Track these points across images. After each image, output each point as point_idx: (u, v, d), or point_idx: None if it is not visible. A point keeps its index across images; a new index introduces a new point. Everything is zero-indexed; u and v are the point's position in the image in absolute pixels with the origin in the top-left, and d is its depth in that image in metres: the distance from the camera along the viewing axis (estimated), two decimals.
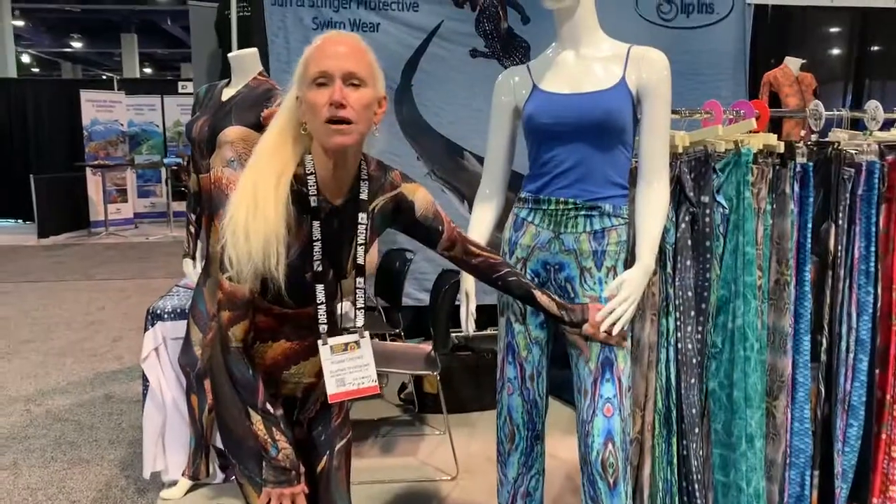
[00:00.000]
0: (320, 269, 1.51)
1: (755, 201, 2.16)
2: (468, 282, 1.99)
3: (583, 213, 1.85)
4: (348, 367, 1.57)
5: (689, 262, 2.15)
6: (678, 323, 2.16)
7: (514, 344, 1.95)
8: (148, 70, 25.03)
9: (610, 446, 1.82)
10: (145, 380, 2.88)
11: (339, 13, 4.34)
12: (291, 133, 1.48)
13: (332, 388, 1.55)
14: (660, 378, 2.17)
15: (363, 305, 1.58)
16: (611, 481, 1.82)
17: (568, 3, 1.84)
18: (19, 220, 11.73)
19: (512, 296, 1.80)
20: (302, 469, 1.54)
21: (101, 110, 10.85)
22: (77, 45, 21.02)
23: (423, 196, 1.62)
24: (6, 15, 14.26)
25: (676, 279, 2.15)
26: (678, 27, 4.49)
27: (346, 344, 1.57)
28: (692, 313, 2.16)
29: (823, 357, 2.32)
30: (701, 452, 2.20)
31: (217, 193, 2.51)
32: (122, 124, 11.18)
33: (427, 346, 3.33)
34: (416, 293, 4.37)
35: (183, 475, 2.92)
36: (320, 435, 1.72)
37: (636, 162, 1.96)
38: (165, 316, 2.85)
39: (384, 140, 1.54)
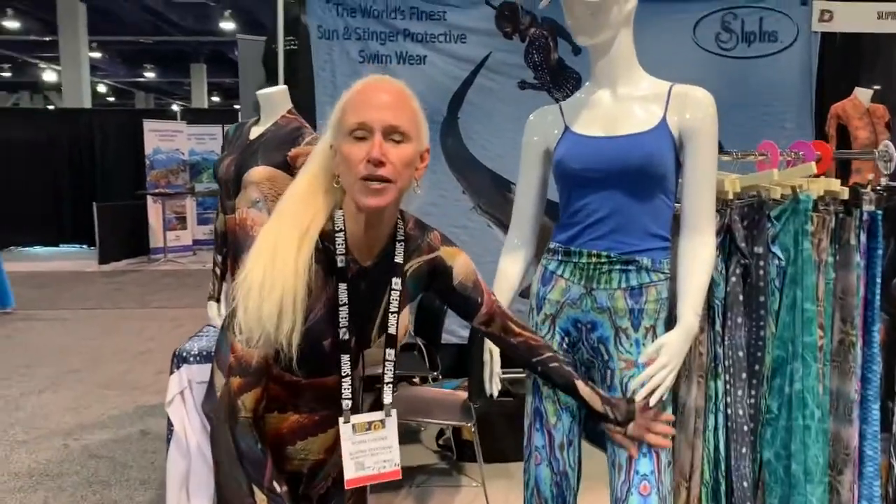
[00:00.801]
0: (346, 336, 1.37)
1: (815, 253, 1.95)
2: None
3: (618, 267, 1.68)
4: (370, 449, 1.42)
5: (740, 320, 1.95)
6: (728, 386, 1.95)
7: (543, 409, 1.78)
8: (216, 98, 25.77)
9: None
10: (170, 424, 2.80)
11: (386, 45, 4.27)
12: (322, 184, 1.35)
13: (350, 471, 1.40)
14: (707, 447, 1.97)
15: (392, 380, 1.43)
16: None
17: (603, 38, 1.69)
18: (83, 246, 12.06)
19: (551, 384, 1.65)
20: None
21: (164, 140, 11.10)
22: (150, 74, 21.79)
23: (463, 262, 1.48)
24: (83, 48, 14.84)
25: (726, 338, 1.95)
26: (739, 57, 4.28)
27: (371, 423, 1.42)
28: (743, 375, 1.95)
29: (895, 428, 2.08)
30: None
31: (242, 235, 2.42)
32: (182, 153, 11.41)
33: (464, 393, 3.17)
34: (458, 330, 4.21)
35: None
36: None
37: (679, 209, 1.78)
38: (192, 359, 2.76)
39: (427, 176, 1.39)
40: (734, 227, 1.92)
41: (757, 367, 1.97)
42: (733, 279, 1.93)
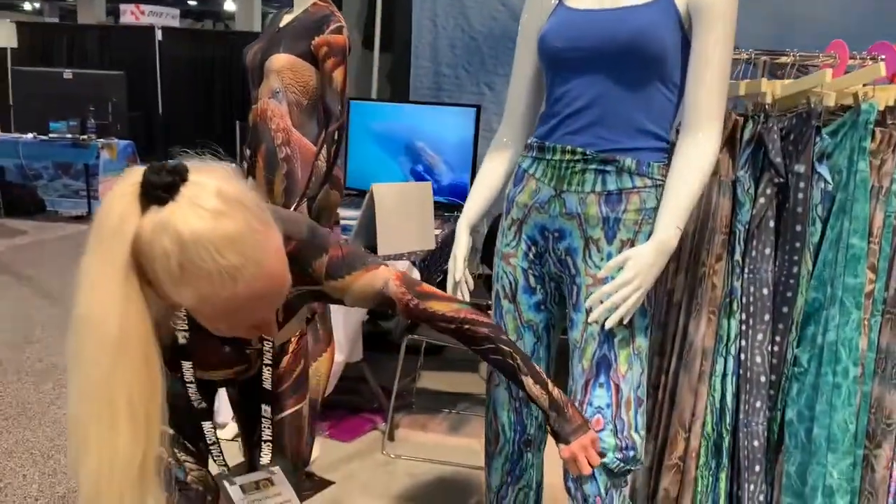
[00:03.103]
0: (203, 405, 1.25)
1: (874, 177, 1.59)
2: (460, 244, 1.63)
3: (593, 167, 1.43)
4: None
5: (767, 251, 1.64)
6: (743, 327, 1.66)
7: (503, 325, 1.58)
8: None
9: (595, 472, 1.40)
10: None
11: None
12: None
13: None
14: (712, 394, 1.70)
15: (269, 438, 1.32)
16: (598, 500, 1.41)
17: None
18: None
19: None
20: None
21: None
22: None
23: (359, 290, 1.23)
24: None
25: (746, 270, 1.65)
26: None
27: (257, 482, 1.31)
28: (766, 317, 1.65)
29: None
30: (762, 497, 1.69)
31: (262, 127, 2.33)
32: None
33: None
34: None
35: (232, 419, 2.84)
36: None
37: None
38: None
39: None
40: (766, 138, 1.59)
41: (785, 310, 1.66)
42: (762, 201, 1.62)
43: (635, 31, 1.35)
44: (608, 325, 1.38)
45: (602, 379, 1.42)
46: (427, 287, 1.28)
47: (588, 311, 1.43)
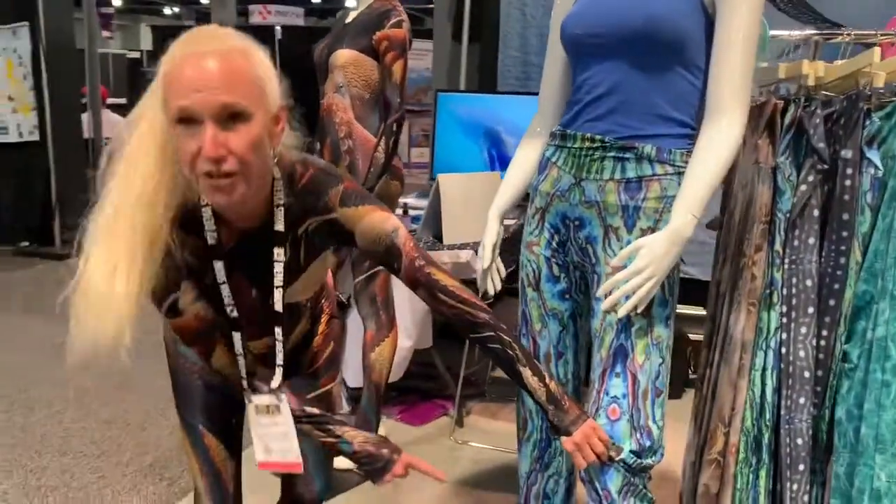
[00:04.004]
0: (234, 314, 1.27)
1: None
2: (490, 232, 1.64)
3: (612, 154, 1.41)
4: (272, 434, 1.35)
5: (811, 241, 1.57)
6: (784, 320, 1.60)
7: (528, 313, 1.59)
8: None
9: (613, 468, 1.39)
10: None
11: None
12: (170, 154, 1.12)
13: (259, 453, 1.35)
14: (752, 389, 1.64)
15: (281, 362, 1.32)
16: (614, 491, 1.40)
17: None
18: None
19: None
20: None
21: (417, 58, 11.51)
22: None
23: (370, 225, 1.23)
24: None
25: (787, 261, 1.58)
26: None
27: (268, 406, 1.34)
28: (810, 310, 1.58)
29: None
30: (806, 498, 1.62)
31: (327, 120, 2.43)
32: (431, 71, 11.76)
33: None
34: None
35: None
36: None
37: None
38: None
39: None
40: (808, 122, 1.52)
41: (832, 303, 1.58)
42: (803, 188, 1.55)
43: (648, 16, 1.33)
44: (620, 313, 1.36)
45: (619, 368, 1.40)
46: (433, 257, 1.27)
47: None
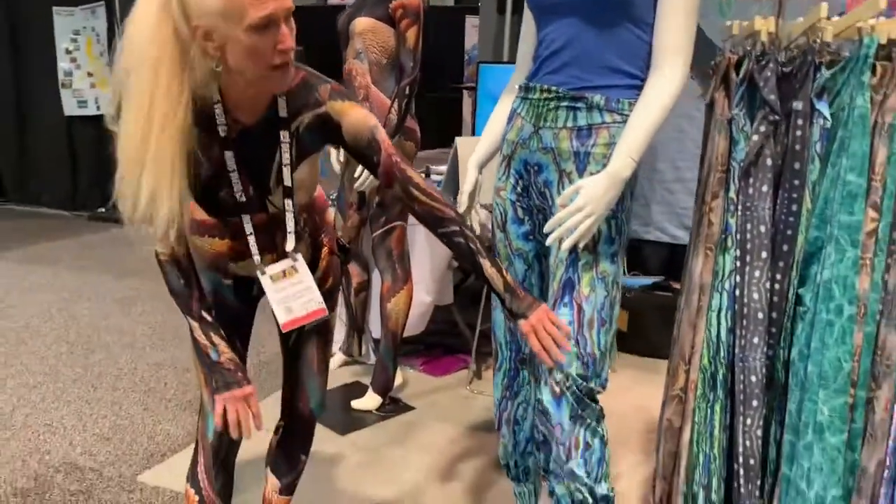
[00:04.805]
0: (243, 199, 1.44)
1: (876, 113, 1.56)
2: (468, 180, 1.80)
3: (565, 104, 1.54)
4: (292, 294, 1.51)
5: (765, 188, 1.67)
6: (738, 263, 1.70)
7: (496, 249, 1.74)
8: None
9: (555, 389, 1.54)
10: None
11: None
12: (179, 64, 1.26)
13: (281, 317, 1.51)
14: (709, 329, 1.75)
15: (293, 229, 1.50)
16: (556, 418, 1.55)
17: None
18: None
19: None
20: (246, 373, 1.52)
21: (471, 36, 11.58)
22: None
23: (355, 119, 1.40)
24: None
25: (741, 207, 1.69)
26: None
27: (284, 270, 1.51)
28: (764, 255, 1.68)
29: None
30: (759, 432, 1.73)
31: (348, 85, 2.61)
32: None
33: None
34: (670, 228, 4.00)
35: (339, 350, 3.20)
36: None
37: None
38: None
39: None
40: (758, 76, 1.61)
41: (786, 248, 1.67)
42: (755, 138, 1.65)
43: None
44: (563, 247, 1.50)
45: (566, 299, 1.54)
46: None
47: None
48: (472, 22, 11.65)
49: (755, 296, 1.69)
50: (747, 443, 1.73)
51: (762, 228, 1.67)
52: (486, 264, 1.43)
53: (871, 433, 1.65)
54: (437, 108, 11.46)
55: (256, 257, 1.49)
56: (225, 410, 1.44)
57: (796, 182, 1.64)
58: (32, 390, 2.97)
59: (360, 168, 2.57)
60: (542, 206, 1.65)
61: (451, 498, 2.30)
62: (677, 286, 3.29)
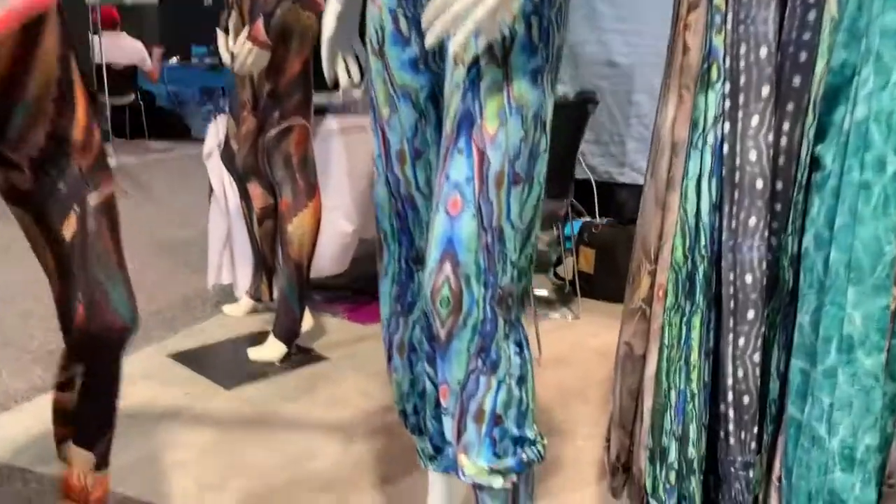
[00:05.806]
0: None
1: None
2: (326, 27, 1.23)
3: None
4: None
5: None
6: (727, 105, 1.15)
7: (374, 96, 1.18)
8: None
9: (448, 268, 0.99)
10: (211, 186, 2.63)
11: None
12: None
13: None
14: (685, 206, 1.20)
15: None
16: (443, 332, 1.01)
17: None
18: None
19: None
20: None
21: None
22: None
23: None
24: None
25: (730, 19, 1.14)
26: None
27: None
28: (764, 91, 1.13)
29: None
30: (756, 358, 1.19)
31: None
32: None
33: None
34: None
35: (246, 293, 2.65)
36: (55, 184, 1.19)
37: None
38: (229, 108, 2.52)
39: None
40: None
41: (797, 82, 1.13)
42: None
43: None
44: (453, 47, 0.94)
45: (461, 143, 0.99)
46: None
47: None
48: None
49: (752, 155, 1.14)
50: (739, 373, 1.20)
51: (762, 51, 1.12)
52: None
53: None
54: None
55: None
56: None
57: None
58: None
59: (241, 38, 2.01)
60: None
61: (345, 463, 1.77)
62: None
